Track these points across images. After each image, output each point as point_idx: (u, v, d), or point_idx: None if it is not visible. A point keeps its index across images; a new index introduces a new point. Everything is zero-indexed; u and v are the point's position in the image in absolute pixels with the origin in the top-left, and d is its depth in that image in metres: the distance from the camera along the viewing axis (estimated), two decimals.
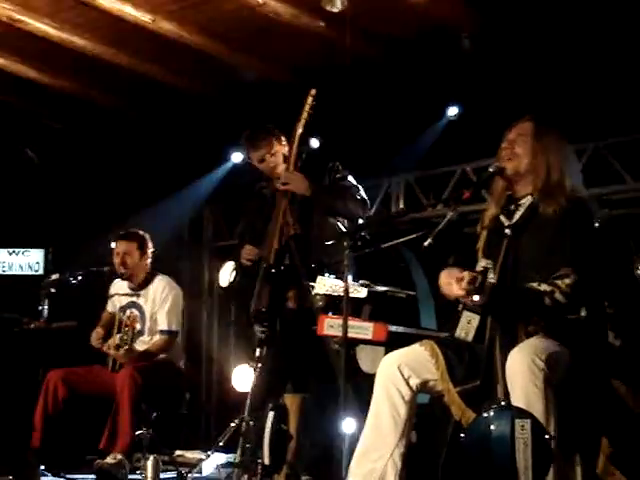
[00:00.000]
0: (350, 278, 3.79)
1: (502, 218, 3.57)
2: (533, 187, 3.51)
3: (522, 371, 3.12)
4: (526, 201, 3.53)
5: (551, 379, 3.12)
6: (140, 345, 5.60)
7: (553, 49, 5.42)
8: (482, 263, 3.21)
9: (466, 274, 3.22)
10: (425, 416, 3.90)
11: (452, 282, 3.30)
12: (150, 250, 5.73)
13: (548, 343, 3.25)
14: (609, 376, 3.38)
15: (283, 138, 4.88)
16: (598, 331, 3.42)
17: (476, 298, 3.17)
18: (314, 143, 5.17)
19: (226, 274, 7.13)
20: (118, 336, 5.42)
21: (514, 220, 3.52)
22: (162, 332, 5.58)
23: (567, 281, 3.28)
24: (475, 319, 3.27)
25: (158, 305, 5.60)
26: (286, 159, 4.82)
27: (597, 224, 3.49)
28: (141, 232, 5.76)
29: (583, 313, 3.36)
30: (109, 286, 5.86)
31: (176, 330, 5.59)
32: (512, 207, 3.55)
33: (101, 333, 5.59)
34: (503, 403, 3.13)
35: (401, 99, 6.09)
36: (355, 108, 6.23)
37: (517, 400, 3.10)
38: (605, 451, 3.32)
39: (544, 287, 3.27)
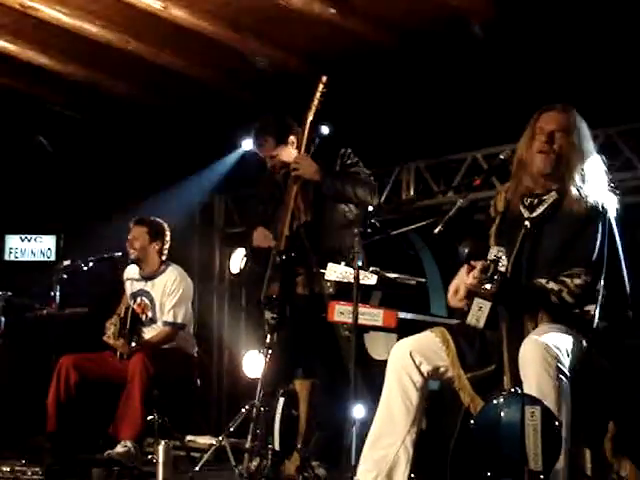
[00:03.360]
0: (360, 265, 3.80)
1: (522, 209, 3.52)
2: (560, 183, 3.46)
3: (535, 359, 3.12)
4: (550, 197, 3.48)
5: (563, 367, 3.13)
6: (151, 332, 5.64)
7: (564, 34, 5.40)
8: (494, 251, 3.20)
9: (478, 263, 3.21)
10: (435, 402, 3.92)
11: (463, 275, 3.29)
12: (165, 239, 5.77)
13: (560, 329, 3.26)
14: (621, 367, 3.38)
15: (291, 136, 4.87)
16: (611, 326, 3.41)
17: (488, 287, 3.17)
18: (325, 130, 5.17)
19: (237, 260, 7.18)
20: (119, 326, 5.47)
21: (535, 214, 3.48)
22: (166, 324, 5.63)
23: (577, 281, 3.27)
24: (486, 306, 3.27)
25: (167, 296, 5.64)
26: (298, 147, 4.84)
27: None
28: (157, 220, 5.81)
29: (588, 308, 3.36)
30: (121, 272, 5.90)
31: (181, 323, 5.62)
32: (535, 201, 3.50)
33: (111, 331, 5.62)
34: (513, 390, 3.14)
35: (412, 85, 6.08)
36: (366, 95, 6.23)
37: (530, 388, 3.11)
38: (611, 435, 3.33)
39: (552, 285, 3.27)
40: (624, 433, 3.34)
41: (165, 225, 5.83)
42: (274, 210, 4.93)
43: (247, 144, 6.96)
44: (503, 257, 3.16)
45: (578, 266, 3.28)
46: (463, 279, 3.35)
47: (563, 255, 3.35)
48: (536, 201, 3.51)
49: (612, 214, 3.44)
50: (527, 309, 3.36)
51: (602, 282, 3.32)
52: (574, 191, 3.41)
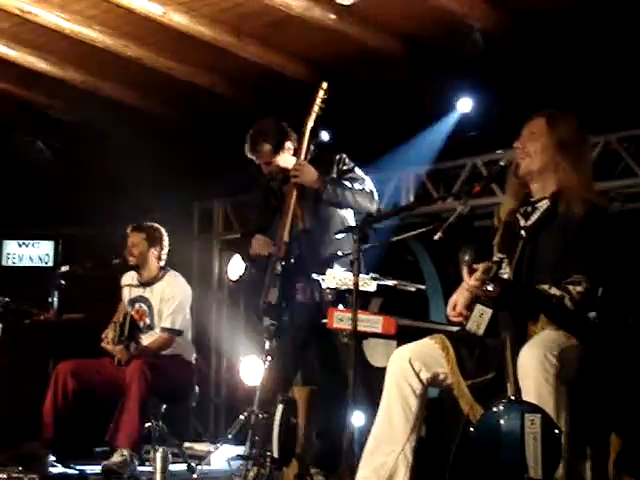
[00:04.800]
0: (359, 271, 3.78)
1: (519, 217, 3.53)
2: (550, 189, 3.47)
3: (534, 367, 3.11)
4: (543, 204, 3.48)
5: (563, 375, 3.12)
6: (149, 338, 5.62)
7: (564, 41, 5.40)
8: (496, 255, 3.20)
9: (480, 265, 3.20)
10: (436, 410, 3.90)
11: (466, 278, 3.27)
12: (164, 245, 5.76)
13: (560, 338, 3.24)
14: (623, 373, 3.36)
15: (287, 142, 4.85)
16: (612, 332, 3.40)
17: (490, 288, 3.15)
18: (324, 136, 5.16)
19: (236, 267, 7.15)
20: (118, 332, 5.46)
21: (530, 222, 3.49)
22: (164, 330, 5.62)
23: (579, 288, 3.25)
24: (487, 312, 3.25)
25: (165, 302, 5.63)
26: (296, 153, 4.82)
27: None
28: (155, 226, 5.80)
29: (590, 315, 3.34)
30: (120, 278, 5.89)
31: (179, 329, 5.61)
32: (529, 208, 3.52)
33: (110, 336, 5.60)
34: (513, 398, 3.12)
35: (412, 92, 6.07)
36: (366, 101, 6.22)
37: (528, 396, 3.09)
38: (614, 452, 3.31)
39: (554, 291, 3.25)
40: (629, 448, 3.32)
41: (163, 231, 5.82)
42: (270, 217, 4.92)
43: None
44: (505, 264, 3.15)
45: (578, 272, 3.26)
46: (465, 281, 3.32)
47: (562, 261, 3.33)
48: (530, 209, 3.52)
49: (609, 216, 3.43)
50: (529, 314, 3.35)
51: (602, 288, 3.31)
52: (563, 194, 3.41)
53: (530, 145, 3.50)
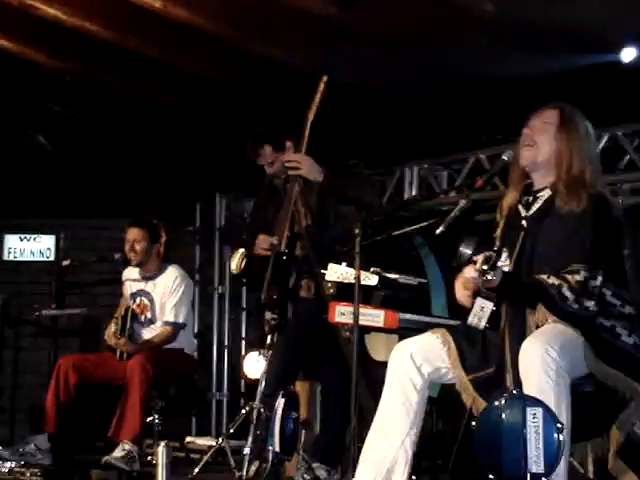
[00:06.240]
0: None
1: (520, 208, 3.53)
2: (552, 179, 3.46)
3: (535, 361, 3.10)
4: (544, 194, 3.48)
5: (564, 369, 3.10)
6: (150, 333, 5.62)
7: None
8: (496, 246, 3.19)
9: (480, 256, 3.18)
10: (437, 405, 3.90)
11: (466, 269, 3.27)
12: (163, 239, 5.75)
13: (561, 331, 3.23)
14: (622, 368, 3.35)
15: (287, 142, 4.84)
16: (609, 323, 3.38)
17: (490, 277, 3.13)
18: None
19: (237, 261, 7.14)
20: (119, 326, 5.45)
21: (531, 212, 3.49)
22: (167, 323, 5.61)
23: (577, 277, 3.24)
24: (488, 306, 3.25)
25: (167, 295, 5.62)
26: (298, 148, 4.80)
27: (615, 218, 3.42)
28: (154, 221, 5.78)
29: (588, 304, 3.31)
30: (121, 272, 5.88)
31: (182, 322, 5.61)
32: (530, 198, 3.51)
33: (111, 331, 5.59)
34: (514, 392, 3.12)
35: (413, 86, 6.05)
36: (368, 94, 6.21)
37: (530, 390, 3.09)
38: (614, 446, 3.30)
39: (553, 280, 3.24)
40: (626, 439, 3.31)
41: (161, 225, 5.80)
42: (273, 214, 4.91)
43: None
44: (504, 254, 3.15)
45: (577, 262, 3.26)
46: (466, 273, 3.32)
47: (561, 251, 3.33)
48: (531, 199, 3.52)
49: (614, 209, 3.41)
50: (528, 304, 3.34)
51: (601, 278, 3.29)
52: (568, 187, 3.40)
53: (539, 135, 3.48)
